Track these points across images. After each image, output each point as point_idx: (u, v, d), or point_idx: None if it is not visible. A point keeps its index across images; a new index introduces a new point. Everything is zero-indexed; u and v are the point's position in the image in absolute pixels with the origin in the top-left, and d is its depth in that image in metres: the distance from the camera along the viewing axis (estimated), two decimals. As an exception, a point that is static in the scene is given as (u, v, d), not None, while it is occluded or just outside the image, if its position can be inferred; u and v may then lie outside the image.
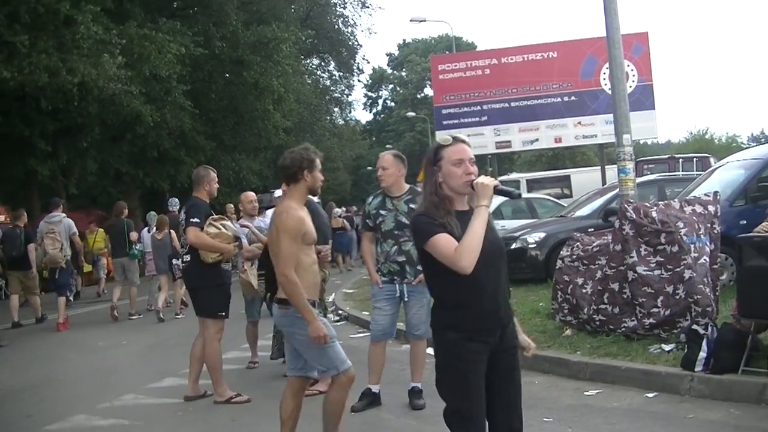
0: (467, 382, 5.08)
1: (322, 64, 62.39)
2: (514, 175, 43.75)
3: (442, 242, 4.93)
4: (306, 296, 7.12)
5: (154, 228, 20.87)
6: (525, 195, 29.84)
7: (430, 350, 11.71)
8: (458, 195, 5.18)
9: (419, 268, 9.36)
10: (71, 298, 22.55)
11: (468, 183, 5.10)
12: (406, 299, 9.48)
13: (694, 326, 10.01)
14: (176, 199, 23.32)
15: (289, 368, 7.76)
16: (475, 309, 5.05)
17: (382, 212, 9.50)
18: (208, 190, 10.56)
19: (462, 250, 4.85)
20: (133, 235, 21.36)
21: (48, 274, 20.92)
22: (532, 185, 36.54)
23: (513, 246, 19.23)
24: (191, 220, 10.18)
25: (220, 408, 10.18)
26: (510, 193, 5.39)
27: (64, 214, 20.80)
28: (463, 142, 5.28)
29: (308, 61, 58.97)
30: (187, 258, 10.53)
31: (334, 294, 20.69)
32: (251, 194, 13.29)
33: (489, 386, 5.17)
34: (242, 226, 12.07)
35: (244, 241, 11.74)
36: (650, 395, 9.33)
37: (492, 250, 5.05)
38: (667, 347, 10.45)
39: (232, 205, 27.31)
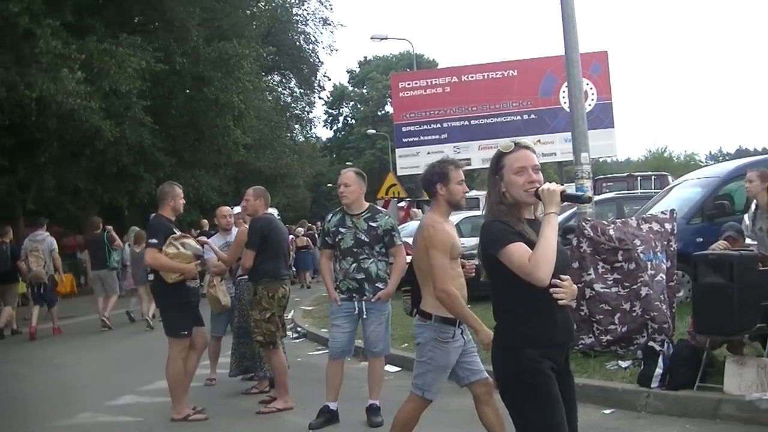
0: (557, 402, 4.78)
1: (283, 80, 62.33)
2: (473, 193, 43.64)
3: (519, 251, 4.66)
4: (445, 314, 7.03)
5: (133, 243, 21.35)
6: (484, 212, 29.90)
7: (388, 367, 11.81)
8: (523, 205, 4.94)
9: (378, 285, 9.40)
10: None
11: (531, 192, 4.85)
12: (364, 316, 9.46)
13: (651, 343, 10.09)
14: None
15: (415, 386, 7.50)
16: (551, 323, 4.82)
17: (342, 230, 9.50)
18: (173, 206, 10.45)
19: (537, 261, 4.59)
20: (117, 243, 22.31)
21: (29, 289, 21.42)
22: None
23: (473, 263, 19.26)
24: (150, 241, 10.14)
25: (177, 426, 10.11)
26: (579, 198, 5.31)
27: (47, 233, 21.37)
28: (527, 148, 5.04)
29: (269, 78, 58.89)
30: (151, 277, 10.50)
31: (293, 311, 20.63)
32: (226, 209, 13.19)
33: None
34: (200, 243, 12.02)
35: (210, 255, 11.68)
36: (607, 411, 9.39)
37: (561, 260, 4.78)
38: (624, 364, 10.53)
39: (206, 221, 27.30)
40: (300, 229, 36.56)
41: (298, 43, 58.04)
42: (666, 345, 9.83)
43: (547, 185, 4.80)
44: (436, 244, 6.97)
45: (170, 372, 10.21)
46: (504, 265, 4.73)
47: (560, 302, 4.73)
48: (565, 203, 5.19)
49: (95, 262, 22.20)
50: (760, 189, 9.62)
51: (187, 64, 37.12)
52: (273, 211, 11.42)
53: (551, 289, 4.68)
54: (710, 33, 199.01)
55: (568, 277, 4.81)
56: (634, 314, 10.84)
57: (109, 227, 23.28)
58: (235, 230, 12.27)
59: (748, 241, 10.76)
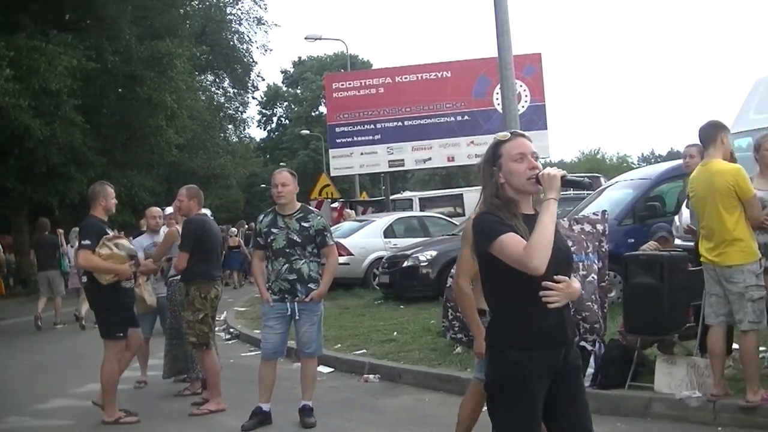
0: (529, 409, 4.59)
1: (217, 80, 61.92)
2: (407, 194, 43.90)
3: (510, 240, 4.46)
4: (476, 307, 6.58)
5: (77, 243, 21.24)
6: (417, 213, 30.01)
7: (321, 368, 11.79)
8: (523, 195, 4.72)
9: (310, 285, 9.37)
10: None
11: (533, 179, 4.62)
12: (297, 317, 9.42)
13: (582, 343, 10.13)
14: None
15: (476, 370, 7.33)
16: (540, 323, 4.55)
17: (274, 230, 9.45)
18: (104, 207, 10.27)
19: (532, 248, 4.37)
20: (64, 248, 22.51)
21: None
22: (425, 204, 36.68)
23: (405, 264, 19.36)
24: (82, 242, 9.98)
25: (108, 429, 9.97)
26: (580, 183, 5.07)
27: None
28: (523, 136, 4.83)
29: (202, 78, 58.45)
30: (85, 279, 10.37)
31: (225, 312, 20.54)
32: (156, 210, 13.08)
33: (550, 413, 4.69)
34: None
35: (141, 255, 11.55)
36: (540, 411, 9.41)
37: (560, 257, 4.59)
38: (556, 363, 10.56)
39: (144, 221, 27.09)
40: (233, 229, 36.59)
41: (231, 43, 57.70)
42: (597, 345, 9.90)
43: (547, 170, 4.61)
44: (468, 238, 6.35)
45: (105, 374, 10.08)
46: (494, 261, 4.55)
47: (550, 306, 4.52)
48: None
49: (46, 263, 22.13)
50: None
51: (119, 62, 36.68)
52: (206, 212, 11.34)
53: (541, 292, 4.50)
54: (643, 36, 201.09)
55: (564, 277, 4.60)
56: (566, 314, 10.88)
57: (61, 230, 23.27)
58: (164, 230, 12.17)
59: (678, 242, 10.88)
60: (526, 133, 4.91)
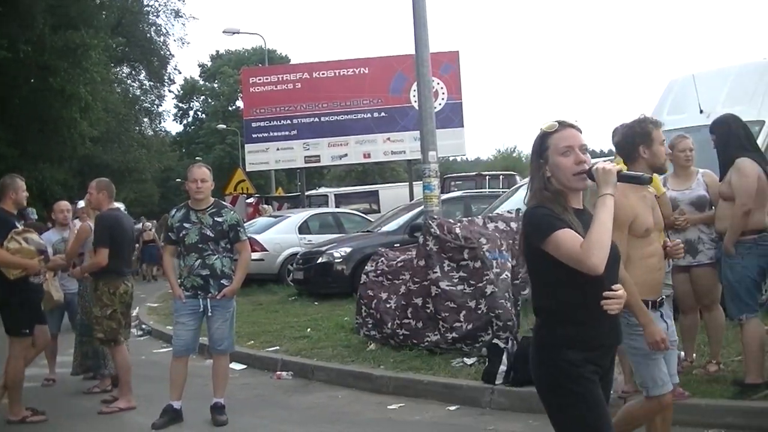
0: (601, 407, 4.46)
1: (133, 72, 61.20)
2: (322, 190, 43.92)
3: (567, 237, 4.25)
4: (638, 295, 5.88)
5: None
6: (332, 210, 29.99)
7: (234, 365, 11.69)
8: (571, 191, 4.51)
9: (223, 281, 9.28)
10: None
11: (580, 175, 4.42)
12: (209, 314, 9.32)
13: (495, 340, 10.19)
14: (32, 209, 22.88)
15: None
16: (597, 324, 4.44)
17: (186, 225, 9.34)
18: (14, 200, 10.02)
19: (591, 246, 4.17)
20: None
21: None
22: (341, 200, 36.71)
23: (319, 260, 19.32)
24: None
25: (14, 428, 9.72)
26: (639, 178, 4.82)
27: None
28: (572, 126, 4.55)
29: (118, 70, 57.75)
30: None
31: (138, 308, 20.27)
32: (64, 204, 12.84)
33: None
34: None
35: (50, 250, 11.33)
36: (452, 408, 9.44)
37: (610, 255, 4.31)
38: (469, 361, 10.62)
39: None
40: (149, 223, 36.32)
41: (148, 35, 57.07)
42: (510, 342, 9.93)
43: (602, 164, 4.37)
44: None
45: (10, 372, 9.86)
46: (547, 258, 4.35)
47: (610, 313, 4.35)
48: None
49: None
50: None
51: (32, 52, 36.01)
52: (119, 206, 11.17)
53: (602, 302, 4.32)
54: (560, 36, 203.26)
55: (619, 285, 4.44)
56: (480, 312, 10.95)
57: None
58: (77, 224, 11.95)
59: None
60: (576, 123, 4.62)
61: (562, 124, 4.54)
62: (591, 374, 4.43)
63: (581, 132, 4.53)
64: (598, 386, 4.45)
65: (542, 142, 4.55)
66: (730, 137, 8.46)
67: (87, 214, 11.56)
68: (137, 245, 32.56)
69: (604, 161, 4.45)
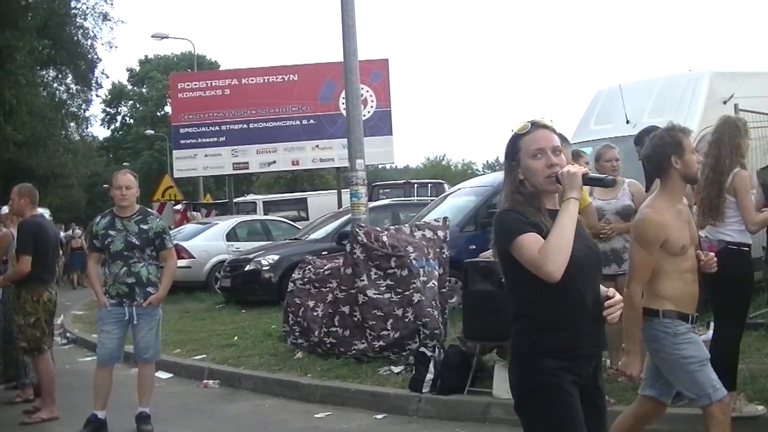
0: (575, 421, 4.23)
1: (59, 76, 60.33)
2: (251, 197, 43.70)
3: (530, 241, 4.10)
4: (677, 308, 5.84)
5: None
6: (260, 217, 29.91)
7: (160, 374, 11.59)
8: (544, 194, 4.34)
9: (149, 289, 9.19)
10: None
11: (551, 179, 4.24)
12: (135, 322, 9.20)
13: (422, 348, 10.22)
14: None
15: (642, 386, 6.39)
16: (575, 330, 4.24)
17: (111, 233, 9.22)
18: None
19: (548, 251, 4.03)
20: None
21: None
22: (269, 207, 36.55)
23: (247, 268, 19.27)
24: None
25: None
26: (602, 180, 4.72)
27: None
28: (545, 127, 4.36)
29: (44, 73, 56.97)
30: None
31: (63, 316, 20.04)
32: None
33: None
34: None
35: None
36: (379, 416, 9.47)
37: (591, 257, 4.34)
38: (396, 369, 10.65)
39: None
40: (78, 230, 35.93)
41: (76, 38, 56.24)
42: (437, 350, 9.99)
43: (567, 167, 4.22)
44: (638, 238, 5.96)
45: None
46: (518, 263, 4.19)
47: (610, 321, 4.27)
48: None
49: None
50: None
51: (-47, 53, 35.59)
52: (43, 212, 11.02)
53: (604, 312, 4.24)
54: (489, 46, 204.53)
55: (613, 289, 4.42)
56: (407, 320, 10.99)
57: None
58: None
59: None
60: (550, 123, 4.42)
61: (535, 125, 4.36)
62: (569, 385, 4.24)
63: (555, 132, 4.38)
64: (576, 399, 4.25)
65: (514, 144, 4.40)
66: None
67: (10, 220, 11.42)
68: (62, 252, 32.17)
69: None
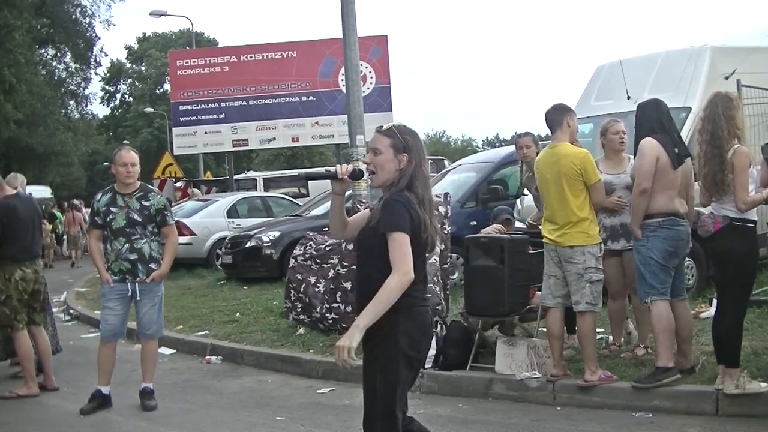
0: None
1: (58, 54, 60.20)
2: (251, 174, 43.63)
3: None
4: None
5: None
6: (261, 194, 29.88)
7: (162, 350, 11.63)
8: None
9: (151, 265, 9.22)
10: None
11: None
12: (137, 298, 9.25)
13: (424, 324, 10.22)
14: None
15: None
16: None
17: (113, 209, 9.24)
18: None
19: None
20: None
21: None
22: (269, 184, 36.47)
23: (248, 244, 19.27)
24: None
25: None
26: (354, 173, 5.34)
27: None
28: (378, 132, 5.25)
29: (43, 51, 56.89)
30: None
31: (65, 293, 20.07)
32: None
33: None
34: None
35: None
36: (381, 392, 9.46)
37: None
38: (398, 345, 10.63)
39: None
40: (87, 209, 35.94)
41: (73, 17, 56.10)
42: (439, 326, 9.99)
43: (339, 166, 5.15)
44: None
45: None
46: None
47: None
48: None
49: None
50: (535, 153, 9.79)
51: (-49, 33, 35.53)
52: (44, 189, 11.00)
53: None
54: (489, 20, 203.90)
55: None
56: (409, 296, 10.97)
57: None
58: None
59: (518, 224, 11.07)
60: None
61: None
62: None
63: (389, 136, 5.15)
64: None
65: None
66: (643, 121, 8.51)
67: None
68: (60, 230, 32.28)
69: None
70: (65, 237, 35.72)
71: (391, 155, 5.10)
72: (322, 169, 5.51)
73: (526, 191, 11.29)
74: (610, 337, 9.79)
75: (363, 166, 5.47)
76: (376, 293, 4.96)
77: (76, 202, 37.35)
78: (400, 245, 4.96)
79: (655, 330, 8.30)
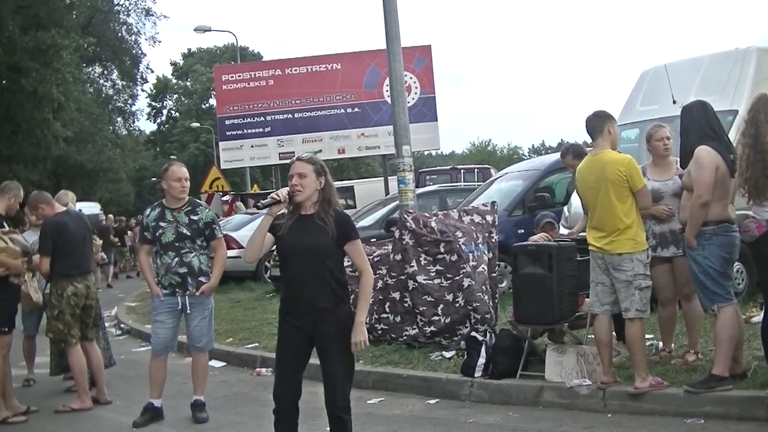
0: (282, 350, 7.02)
1: (105, 72, 60.91)
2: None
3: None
4: None
5: None
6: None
7: (213, 363, 11.69)
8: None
9: (201, 279, 9.28)
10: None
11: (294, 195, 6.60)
12: (188, 311, 9.32)
13: (474, 333, 10.22)
14: None
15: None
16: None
17: (162, 224, 9.32)
18: (8, 204, 10.38)
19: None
20: None
21: None
22: (317, 196, 36.49)
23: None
24: None
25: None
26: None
27: None
28: (299, 159, 6.81)
29: (90, 69, 57.56)
30: None
31: (116, 308, 20.23)
32: None
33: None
34: None
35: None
36: (431, 401, 9.49)
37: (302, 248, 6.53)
38: (447, 354, 10.65)
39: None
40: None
41: (119, 34, 56.83)
42: (488, 335, 9.98)
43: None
44: None
45: None
46: None
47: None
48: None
49: None
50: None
51: (2, 53, 35.90)
52: (94, 206, 11.15)
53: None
54: (534, 30, 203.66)
55: None
56: (457, 305, 10.99)
57: None
58: None
59: (562, 231, 11.03)
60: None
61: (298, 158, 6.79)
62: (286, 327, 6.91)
63: (311, 163, 6.76)
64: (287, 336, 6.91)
65: None
66: (692, 125, 8.44)
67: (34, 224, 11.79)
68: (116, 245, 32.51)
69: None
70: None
71: (314, 178, 6.63)
72: (268, 198, 6.73)
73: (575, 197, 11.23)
74: (661, 344, 9.73)
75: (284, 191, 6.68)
76: (361, 292, 6.69)
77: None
78: (362, 250, 6.71)
79: (718, 337, 8.15)
